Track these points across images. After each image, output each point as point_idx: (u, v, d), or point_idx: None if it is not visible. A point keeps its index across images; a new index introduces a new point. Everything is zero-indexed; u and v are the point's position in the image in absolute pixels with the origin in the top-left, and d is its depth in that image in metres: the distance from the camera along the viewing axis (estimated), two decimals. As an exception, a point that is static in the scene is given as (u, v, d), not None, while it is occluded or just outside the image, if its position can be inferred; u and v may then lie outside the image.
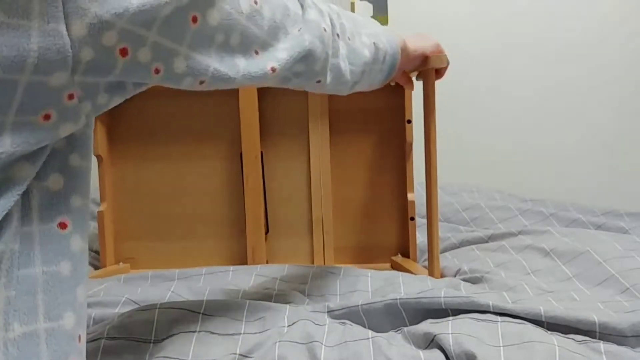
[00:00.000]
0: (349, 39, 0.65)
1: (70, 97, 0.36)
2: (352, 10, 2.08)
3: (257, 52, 0.50)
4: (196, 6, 0.41)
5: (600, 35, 1.95)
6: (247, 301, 0.68)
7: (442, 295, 0.64)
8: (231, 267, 0.91)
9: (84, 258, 0.41)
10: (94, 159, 1.01)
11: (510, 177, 1.98)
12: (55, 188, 0.38)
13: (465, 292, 0.68)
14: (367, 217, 1.10)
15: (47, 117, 0.35)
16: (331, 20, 0.62)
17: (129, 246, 1.10)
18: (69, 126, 0.37)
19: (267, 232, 1.08)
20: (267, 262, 1.08)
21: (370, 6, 2.07)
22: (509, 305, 0.61)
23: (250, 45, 0.49)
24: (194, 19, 0.41)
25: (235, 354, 0.57)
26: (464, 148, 1.97)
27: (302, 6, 0.58)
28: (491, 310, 0.61)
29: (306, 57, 0.57)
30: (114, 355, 0.57)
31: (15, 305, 0.35)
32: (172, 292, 0.77)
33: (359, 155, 1.08)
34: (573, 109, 1.98)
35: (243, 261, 1.08)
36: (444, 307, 0.64)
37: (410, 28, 2.02)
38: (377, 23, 0.77)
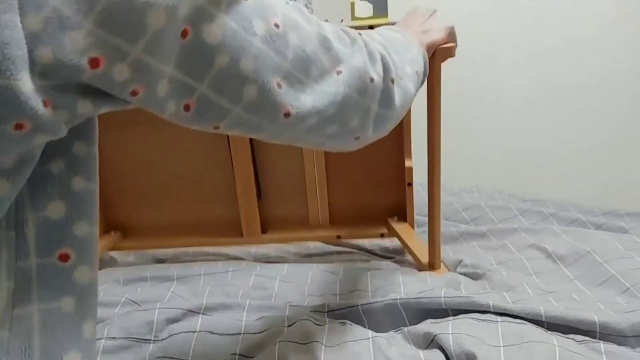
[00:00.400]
0: (401, 78, 0.57)
1: (45, 104, 0.30)
2: (352, 10, 2.08)
3: (279, 85, 0.42)
4: (190, 18, 0.35)
5: (600, 35, 1.95)
6: (247, 301, 0.68)
7: (442, 295, 0.64)
8: (231, 268, 0.91)
9: (93, 290, 0.38)
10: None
11: (510, 177, 1.98)
12: (56, 217, 0.35)
13: (465, 292, 0.68)
14: (363, 181, 1.06)
15: (19, 126, 0.29)
16: (384, 64, 0.53)
17: (118, 215, 1.07)
18: (45, 137, 0.32)
19: (259, 197, 1.04)
20: (262, 232, 1.06)
21: (370, 6, 2.07)
22: (509, 305, 0.61)
23: (267, 73, 0.40)
24: (184, 34, 0.35)
25: (235, 354, 0.57)
26: (464, 148, 1.97)
27: (351, 43, 0.49)
28: (491, 310, 0.61)
29: (336, 115, 0.48)
30: (115, 355, 0.57)
31: (9, 348, 0.32)
32: (172, 292, 0.77)
33: None
34: (573, 109, 1.98)
35: (237, 230, 1.06)
36: (444, 307, 0.64)
37: (410, 28, 2.02)
38: (396, 31, 0.67)
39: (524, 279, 0.83)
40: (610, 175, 1.97)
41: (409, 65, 0.60)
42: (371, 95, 0.51)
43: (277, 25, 0.41)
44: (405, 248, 1.01)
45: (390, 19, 2.01)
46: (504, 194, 1.46)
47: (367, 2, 2.16)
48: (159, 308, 0.63)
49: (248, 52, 0.38)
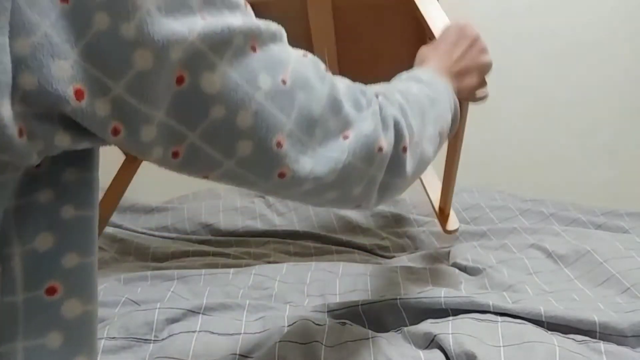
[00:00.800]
0: (416, 144, 0.52)
1: (20, 132, 0.29)
2: (352, 10, 2.08)
3: (279, 144, 0.39)
4: (186, 64, 0.33)
5: (600, 34, 1.95)
6: (247, 301, 0.68)
7: (442, 295, 0.64)
8: (231, 269, 0.91)
9: (84, 323, 0.35)
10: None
11: (510, 177, 1.98)
12: (44, 249, 0.33)
13: (465, 292, 0.68)
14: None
15: None
16: (397, 131, 0.48)
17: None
18: (15, 166, 0.30)
19: None
20: None
21: (370, 6, 2.07)
22: (509, 305, 0.61)
23: (267, 131, 0.38)
24: (180, 80, 0.33)
25: (236, 354, 0.57)
26: (464, 148, 1.96)
27: (365, 106, 0.46)
28: (491, 310, 0.61)
29: (336, 182, 0.44)
30: (115, 355, 0.57)
31: None
32: (172, 292, 0.77)
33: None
34: (573, 108, 1.98)
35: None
36: (444, 307, 0.64)
37: (410, 28, 2.02)
38: (425, 76, 0.61)
39: (524, 278, 0.83)
40: (610, 175, 1.97)
41: (432, 126, 0.56)
42: (378, 164, 0.47)
43: (284, 82, 0.39)
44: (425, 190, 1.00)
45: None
46: (504, 194, 1.46)
47: (367, 2, 2.15)
48: (159, 308, 0.63)
49: (248, 106, 0.36)
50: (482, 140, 2.01)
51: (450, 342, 0.54)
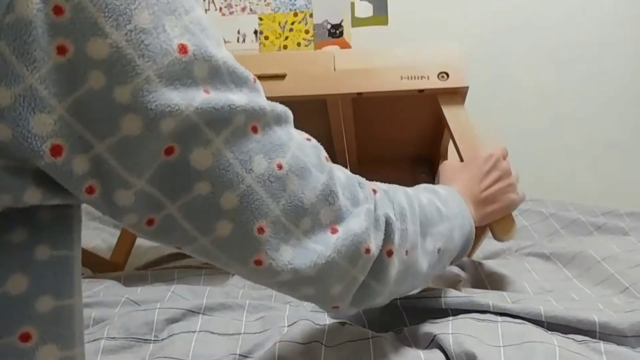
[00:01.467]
0: (406, 253, 0.49)
1: None
2: (352, 10, 2.08)
3: (261, 230, 0.37)
4: (178, 136, 0.31)
5: (600, 35, 1.94)
6: (247, 301, 0.68)
7: (443, 295, 0.64)
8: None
9: None
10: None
11: (510, 177, 1.98)
12: (16, 292, 0.30)
13: (465, 292, 0.68)
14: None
15: None
16: (388, 232, 0.46)
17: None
18: None
19: None
20: None
21: (370, 6, 2.06)
22: (509, 305, 0.61)
23: (251, 215, 0.36)
24: (169, 151, 0.32)
25: (236, 354, 0.57)
26: (464, 148, 1.97)
27: (361, 201, 0.44)
28: (491, 310, 0.61)
29: (314, 278, 0.42)
30: (114, 355, 0.57)
31: None
32: (172, 292, 0.77)
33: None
34: (573, 109, 1.98)
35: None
36: (444, 307, 0.64)
37: (411, 28, 2.02)
38: (457, 201, 0.59)
39: (524, 277, 0.83)
40: (610, 175, 1.97)
41: (432, 240, 0.53)
42: (362, 266, 0.44)
43: (280, 167, 0.37)
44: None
45: (390, 18, 2.01)
46: (504, 194, 1.46)
47: (367, 2, 2.16)
48: (158, 308, 0.63)
49: (235, 188, 0.35)
50: (482, 140, 2.01)
51: (450, 342, 0.54)
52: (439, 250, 0.55)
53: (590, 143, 1.97)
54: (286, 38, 2.11)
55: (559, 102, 1.98)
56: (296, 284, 0.42)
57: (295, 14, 2.10)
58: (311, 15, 2.10)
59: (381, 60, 0.81)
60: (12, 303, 0.30)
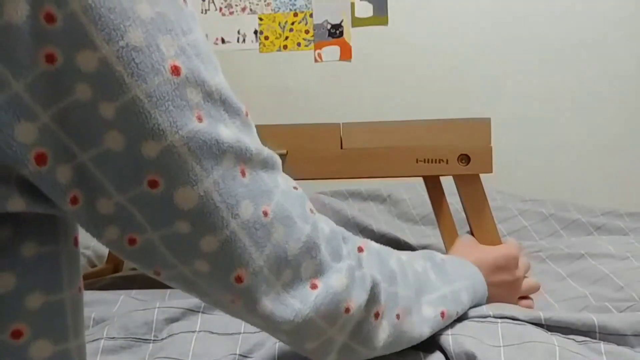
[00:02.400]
0: (398, 317, 0.47)
1: None
2: (352, 10, 2.08)
3: (239, 279, 0.36)
4: (163, 170, 0.30)
5: (600, 35, 1.95)
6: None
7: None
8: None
9: None
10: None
11: (510, 177, 1.98)
12: (4, 290, 0.30)
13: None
14: None
15: None
16: (373, 294, 0.44)
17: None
18: None
19: None
20: None
21: (370, 6, 2.06)
22: (508, 312, 0.61)
23: (230, 262, 0.35)
24: (152, 184, 0.31)
25: (235, 354, 0.57)
26: (464, 148, 1.97)
27: (341, 257, 0.42)
28: (491, 315, 0.61)
29: (292, 333, 0.40)
30: (114, 355, 0.57)
31: None
32: (172, 290, 0.77)
33: None
34: (573, 108, 1.98)
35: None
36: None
37: (411, 28, 2.02)
38: (467, 266, 0.59)
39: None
40: (610, 175, 1.97)
41: (431, 306, 0.51)
42: (341, 326, 0.42)
43: (265, 214, 0.36)
44: None
45: (390, 18, 2.01)
46: (504, 194, 1.46)
47: (367, 2, 2.16)
48: (158, 307, 0.63)
49: (218, 232, 0.34)
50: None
51: (450, 342, 0.54)
52: (442, 314, 0.53)
53: (590, 143, 1.97)
54: (286, 38, 2.11)
55: (559, 101, 1.98)
56: (271, 329, 0.41)
57: (295, 14, 2.10)
58: (311, 15, 2.10)
59: (395, 137, 0.71)
60: (2, 301, 0.30)
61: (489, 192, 1.49)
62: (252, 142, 0.35)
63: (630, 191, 1.95)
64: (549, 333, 0.57)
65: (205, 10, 2.14)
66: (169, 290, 0.77)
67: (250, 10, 2.13)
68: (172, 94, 0.30)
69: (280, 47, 2.11)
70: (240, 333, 0.60)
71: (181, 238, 0.33)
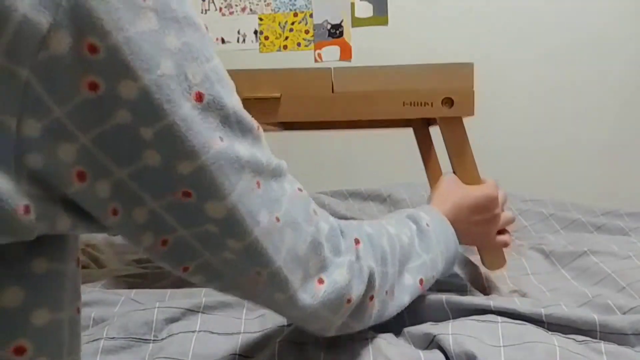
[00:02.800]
0: (386, 293, 0.53)
1: (27, 210, 0.28)
2: (352, 10, 2.08)
3: (259, 274, 0.40)
4: (195, 185, 0.33)
5: (600, 35, 1.95)
6: (247, 300, 0.68)
7: (444, 295, 0.64)
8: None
9: None
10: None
11: (510, 177, 1.98)
12: (12, 304, 0.30)
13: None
14: None
15: None
16: (370, 282, 0.49)
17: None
18: (9, 238, 0.29)
19: None
20: None
21: (370, 6, 2.06)
22: (510, 305, 0.61)
23: (251, 263, 0.39)
24: (186, 194, 0.34)
25: (235, 354, 0.57)
26: (464, 148, 1.97)
27: (340, 252, 0.46)
28: (492, 309, 0.61)
29: (301, 319, 0.46)
30: (114, 355, 0.57)
31: None
32: (172, 290, 0.77)
33: None
34: (573, 109, 1.98)
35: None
36: (445, 306, 0.64)
37: (410, 28, 2.02)
38: (442, 226, 0.64)
39: (523, 279, 0.83)
40: (610, 175, 1.97)
41: (411, 275, 0.57)
42: (342, 314, 0.48)
43: (278, 220, 0.40)
44: None
45: (390, 18, 2.01)
46: (503, 194, 1.46)
47: (367, 2, 2.16)
48: (157, 307, 0.63)
49: (242, 238, 0.37)
50: (482, 140, 2.01)
51: (450, 342, 0.54)
52: (421, 281, 0.58)
53: (590, 143, 1.97)
54: (286, 38, 2.11)
55: (559, 101, 1.98)
56: (281, 315, 0.47)
57: (295, 14, 2.10)
58: (311, 16, 2.10)
59: (383, 81, 0.76)
60: (8, 316, 0.30)
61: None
62: (262, 155, 0.38)
63: (630, 191, 1.95)
64: (549, 333, 0.57)
65: (205, 10, 2.14)
66: (169, 290, 0.77)
67: (250, 10, 2.13)
68: (199, 118, 0.33)
69: (280, 47, 2.11)
70: (240, 333, 0.60)
71: (210, 235, 0.36)
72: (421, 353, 0.55)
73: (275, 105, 0.75)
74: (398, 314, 0.65)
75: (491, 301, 0.61)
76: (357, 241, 0.49)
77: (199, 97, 0.33)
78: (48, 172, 0.29)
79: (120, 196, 0.32)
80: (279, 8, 2.11)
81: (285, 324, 0.62)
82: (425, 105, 0.75)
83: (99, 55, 0.28)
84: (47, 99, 0.28)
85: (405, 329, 0.61)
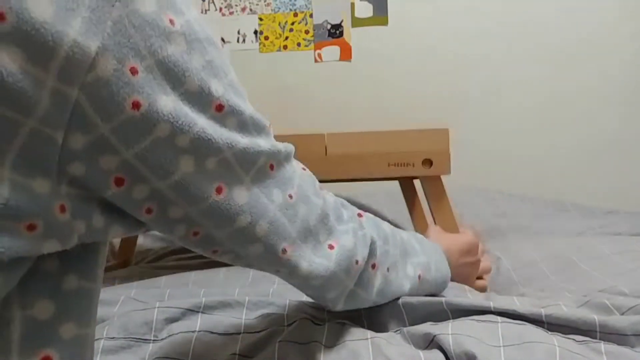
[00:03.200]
0: (388, 270, 0.59)
1: (62, 209, 0.31)
2: (352, 10, 2.08)
3: (284, 251, 0.46)
4: (222, 176, 0.38)
5: (601, 36, 1.95)
6: (247, 297, 0.68)
7: (444, 296, 0.64)
8: (223, 268, 0.91)
9: None
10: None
11: (510, 177, 1.98)
12: (43, 317, 0.33)
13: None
14: None
15: (31, 227, 0.29)
16: (372, 249, 0.55)
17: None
18: (55, 244, 0.31)
19: None
20: None
21: (370, 6, 2.06)
22: (510, 305, 0.61)
23: (278, 237, 0.44)
24: (219, 190, 0.39)
25: (235, 354, 0.57)
26: (465, 149, 1.97)
27: (343, 220, 0.53)
28: (492, 310, 0.61)
29: (321, 286, 0.51)
30: (114, 355, 0.57)
31: None
32: (171, 290, 0.77)
33: None
34: (574, 110, 1.98)
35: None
36: (445, 307, 0.64)
37: (410, 28, 2.02)
38: (435, 247, 0.70)
39: (521, 280, 0.83)
40: (610, 175, 1.97)
41: (412, 267, 0.63)
42: (353, 276, 0.53)
43: (291, 197, 0.45)
44: None
45: (390, 18, 2.01)
46: (504, 194, 1.47)
47: (367, 2, 2.16)
48: (157, 307, 0.63)
49: (266, 216, 0.43)
50: (482, 140, 2.01)
51: (450, 342, 0.54)
52: (419, 277, 0.64)
53: (591, 143, 1.97)
54: (286, 38, 2.11)
55: (559, 101, 1.98)
56: (302, 287, 0.52)
57: (295, 14, 2.10)
58: (311, 16, 2.09)
59: (371, 144, 0.86)
60: (38, 327, 0.32)
61: (489, 192, 1.50)
62: (277, 142, 0.45)
63: (630, 191, 1.95)
64: (549, 333, 0.57)
65: (205, 10, 2.14)
66: (169, 290, 0.77)
67: (250, 10, 2.13)
68: (219, 123, 0.37)
69: (280, 47, 2.11)
70: (240, 333, 0.60)
71: (242, 232, 0.42)
72: (421, 353, 0.55)
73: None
74: (398, 314, 0.65)
75: (491, 301, 0.61)
76: (360, 215, 0.56)
77: (220, 108, 0.37)
78: (88, 178, 0.32)
79: (155, 198, 0.36)
80: (279, 8, 2.11)
81: (286, 324, 0.62)
82: (407, 166, 0.86)
83: (138, 76, 0.31)
84: (94, 116, 0.30)
85: (405, 329, 0.61)
